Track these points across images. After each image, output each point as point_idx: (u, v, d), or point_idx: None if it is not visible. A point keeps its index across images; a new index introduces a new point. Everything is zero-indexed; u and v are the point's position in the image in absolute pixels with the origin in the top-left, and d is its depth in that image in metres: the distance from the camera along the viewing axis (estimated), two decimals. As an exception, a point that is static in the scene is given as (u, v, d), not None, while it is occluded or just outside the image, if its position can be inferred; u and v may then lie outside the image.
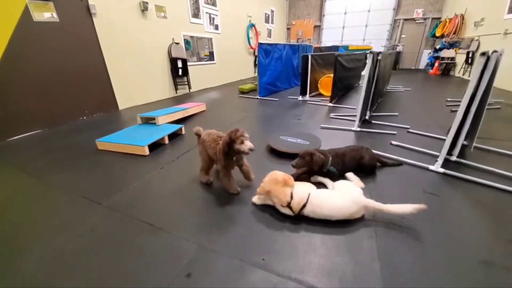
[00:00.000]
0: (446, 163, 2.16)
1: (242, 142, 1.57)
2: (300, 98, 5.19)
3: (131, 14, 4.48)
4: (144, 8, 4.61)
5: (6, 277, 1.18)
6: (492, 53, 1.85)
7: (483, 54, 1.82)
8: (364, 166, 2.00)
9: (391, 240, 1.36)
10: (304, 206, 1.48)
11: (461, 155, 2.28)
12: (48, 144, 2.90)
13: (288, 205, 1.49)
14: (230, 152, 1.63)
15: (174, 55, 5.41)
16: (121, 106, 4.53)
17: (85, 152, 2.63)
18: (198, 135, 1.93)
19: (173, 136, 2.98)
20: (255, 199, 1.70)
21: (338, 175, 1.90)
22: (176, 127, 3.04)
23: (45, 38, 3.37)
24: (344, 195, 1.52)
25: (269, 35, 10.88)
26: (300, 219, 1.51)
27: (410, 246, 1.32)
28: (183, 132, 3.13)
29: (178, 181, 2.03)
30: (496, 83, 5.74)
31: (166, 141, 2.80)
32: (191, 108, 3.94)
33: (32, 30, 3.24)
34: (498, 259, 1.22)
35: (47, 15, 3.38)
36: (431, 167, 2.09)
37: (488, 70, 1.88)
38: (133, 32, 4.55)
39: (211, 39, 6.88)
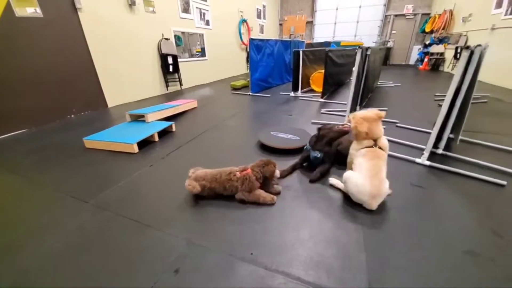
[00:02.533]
0: (433, 156, 2.21)
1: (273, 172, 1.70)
2: (292, 94, 5.20)
3: (118, 8, 4.37)
4: (131, 3, 4.51)
5: (-11, 278, 1.16)
6: (476, 47, 1.89)
7: (466, 48, 1.85)
8: (341, 154, 1.98)
9: (377, 232, 1.39)
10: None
11: (447, 148, 2.33)
12: (35, 143, 2.83)
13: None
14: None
15: (164, 51, 5.32)
16: (110, 104, 4.44)
17: (72, 150, 2.58)
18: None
19: (164, 134, 2.95)
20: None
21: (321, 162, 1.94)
22: (166, 124, 3.00)
23: (29, 34, 3.26)
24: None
25: (261, 30, 10.81)
26: (287, 209, 1.53)
27: (396, 238, 1.34)
28: (174, 129, 3.10)
29: (167, 179, 2.01)
30: (483, 78, 5.92)
31: (156, 138, 2.77)
32: (182, 105, 3.90)
33: (15, 27, 3.13)
34: (483, 250, 1.26)
35: (30, 10, 3.27)
36: (418, 160, 2.14)
37: (472, 64, 1.92)
38: (121, 27, 4.45)
39: (202, 35, 6.79)
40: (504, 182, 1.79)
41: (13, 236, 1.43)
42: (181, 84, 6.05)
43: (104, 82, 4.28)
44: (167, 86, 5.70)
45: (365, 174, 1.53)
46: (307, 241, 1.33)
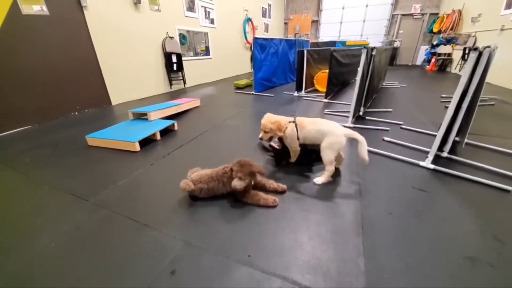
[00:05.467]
0: (437, 159, 2.16)
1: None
2: (295, 93, 5.16)
3: (123, 6, 4.39)
4: (137, 1, 4.52)
5: (-13, 275, 1.17)
6: (484, 48, 1.84)
7: (475, 49, 1.80)
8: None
9: (377, 235, 1.36)
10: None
11: (452, 151, 2.28)
12: (37, 140, 2.86)
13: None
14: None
15: (168, 49, 5.33)
16: (114, 102, 4.47)
17: (74, 148, 2.59)
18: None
19: (166, 132, 2.95)
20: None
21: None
22: (168, 123, 3.00)
23: (34, 32, 3.29)
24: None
25: (266, 29, 10.77)
26: (285, 212, 1.51)
27: (395, 242, 1.32)
28: (176, 128, 3.10)
29: (167, 178, 2.01)
30: (492, 80, 5.80)
31: (158, 137, 2.77)
32: (184, 103, 3.90)
33: (21, 24, 3.16)
34: (483, 255, 1.23)
35: (36, 8, 3.30)
36: (422, 163, 2.09)
37: (480, 66, 1.87)
38: (126, 25, 4.47)
39: (207, 33, 6.79)
40: (510, 188, 1.74)
41: (10, 234, 1.44)
42: (184, 83, 6.06)
43: (108, 80, 4.30)
44: (170, 84, 5.71)
45: (315, 127, 1.86)
46: (305, 244, 1.31)
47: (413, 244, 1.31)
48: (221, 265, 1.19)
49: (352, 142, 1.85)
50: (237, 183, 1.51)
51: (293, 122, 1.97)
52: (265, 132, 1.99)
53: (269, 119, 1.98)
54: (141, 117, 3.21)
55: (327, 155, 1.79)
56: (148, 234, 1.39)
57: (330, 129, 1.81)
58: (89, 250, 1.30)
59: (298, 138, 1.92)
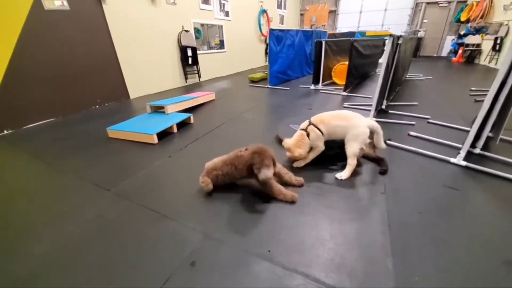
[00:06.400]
0: (469, 156, 2.01)
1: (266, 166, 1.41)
2: (312, 87, 5.02)
3: (140, 1, 4.42)
4: (153, -6, 4.53)
5: (17, 260, 1.22)
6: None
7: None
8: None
9: (405, 235, 1.28)
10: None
11: (485, 147, 2.11)
12: (61, 132, 2.97)
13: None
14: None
15: (184, 43, 5.33)
16: (132, 95, 4.56)
17: (96, 139, 2.67)
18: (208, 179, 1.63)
19: (182, 125, 2.97)
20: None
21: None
22: (184, 116, 3.01)
23: (56, 27, 3.39)
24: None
25: (281, 21, 10.52)
26: (305, 207, 1.46)
27: (426, 243, 1.23)
28: (192, 121, 3.10)
29: (185, 170, 2.01)
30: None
31: (175, 129, 2.79)
32: (200, 97, 3.90)
33: (44, 19, 3.26)
34: (524, 260, 1.12)
35: (57, 3, 3.38)
36: (453, 160, 1.95)
37: (523, 53, 1.69)
38: (143, 19, 4.50)
39: (221, 26, 6.72)
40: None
41: (38, 221, 1.49)
42: (199, 77, 6.07)
43: (127, 74, 4.38)
44: (186, 78, 5.74)
45: (339, 123, 1.79)
46: (327, 241, 1.26)
47: (445, 245, 1.22)
48: (240, 258, 1.17)
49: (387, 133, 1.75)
50: (267, 172, 1.39)
51: (310, 123, 1.86)
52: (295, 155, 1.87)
53: (289, 145, 1.87)
54: (159, 110, 3.25)
55: (352, 147, 1.72)
56: (168, 225, 1.40)
57: (353, 121, 1.75)
58: (111, 239, 1.32)
59: (323, 135, 1.83)
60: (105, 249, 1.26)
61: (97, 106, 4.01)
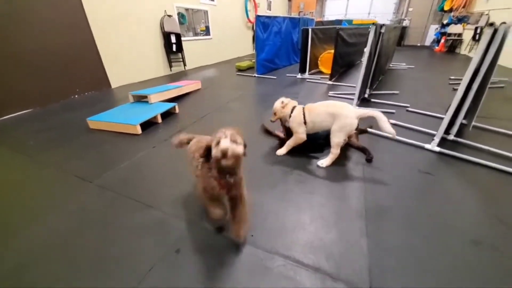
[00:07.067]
0: (443, 142, 2.12)
1: (217, 143, 0.94)
2: (299, 75, 5.02)
3: (119, -17, 4.17)
4: (132, -23, 4.29)
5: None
6: (500, 25, 1.73)
7: (490, 25, 1.70)
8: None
9: (380, 218, 1.36)
10: None
11: (459, 134, 2.24)
12: (40, 123, 2.84)
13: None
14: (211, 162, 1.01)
15: (167, 29, 5.13)
16: (113, 84, 4.39)
17: (76, 130, 2.58)
18: (181, 145, 1.38)
19: (167, 115, 2.92)
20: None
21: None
22: (169, 105, 2.96)
23: (30, 13, 3.17)
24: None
25: (269, 7, 10.29)
26: (288, 193, 1.51)
27: (400, 224, 1.32)
28: (177, 110, 3.06)
29: (169, 160, 2.01)
30: (503, 62, 5.56)
31: (159, 119, 2.74)
32: (185, 86, 3.82)
33: (16, 5, 3.03)
34: (488, 238, 1.23)
35: (30, -14, 3.14)
36: (427, 146, 2.06)
37: (494, 44, 1.78)
38: (122, 4, 4.26)
39: (206, 11, 6.50)
40: (517, 171, 1.72)
41: (18, 215, 1.47)
42: (184, 65, 5.91)
43: (107, 63, 4.19)
44: (170, 66, 5.57)
45: (326, 109, 1.81)
46: (308, 225, 1.32)
47: (417, 225, 1.31)
48: (224, 244, 1.21)
49: (371, 121, 1.76)
50: (236, 147, 0.94)
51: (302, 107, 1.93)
52: (274, 114, 1.95)
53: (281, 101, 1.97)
54: (142, 99, 3.16)
55: (336, 137, 1.76)
56: (152, 215, 1.41)
57: (341, 111, 1.74)
58: (95, 231, 1.32)
59: (305, 123, 1.87)
60: (89, 241, 1.26)
61: (76, 96, 3.85)
